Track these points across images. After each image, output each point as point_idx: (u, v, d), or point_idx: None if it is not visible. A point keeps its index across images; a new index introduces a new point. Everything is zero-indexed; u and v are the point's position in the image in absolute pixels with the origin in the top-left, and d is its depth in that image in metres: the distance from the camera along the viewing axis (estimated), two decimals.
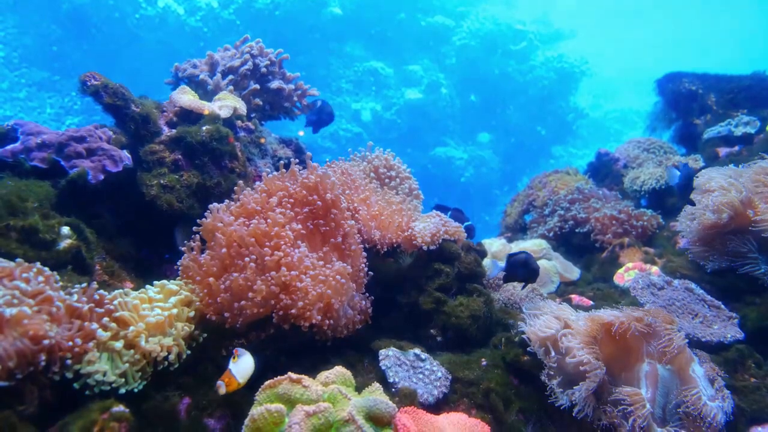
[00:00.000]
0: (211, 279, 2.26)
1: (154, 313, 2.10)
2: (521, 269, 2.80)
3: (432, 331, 2.76)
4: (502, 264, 2.86)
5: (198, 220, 2.50)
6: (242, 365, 1.96)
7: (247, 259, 2.26)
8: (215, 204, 2.53)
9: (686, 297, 2.97)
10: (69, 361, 1.80)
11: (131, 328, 1.99)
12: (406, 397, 2.12)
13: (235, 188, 2.66)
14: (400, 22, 16.59)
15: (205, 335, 2.28)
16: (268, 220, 2.38)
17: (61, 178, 2.62)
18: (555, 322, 2.32)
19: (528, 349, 2.38)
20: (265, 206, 2.49)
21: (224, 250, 2.30)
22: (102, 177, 2.68)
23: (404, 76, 16.46)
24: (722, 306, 2.91)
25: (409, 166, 3.40)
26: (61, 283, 1.99)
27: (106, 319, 1.96)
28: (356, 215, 2.83)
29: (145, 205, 2.78)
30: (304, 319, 2.22)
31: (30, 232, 2.24)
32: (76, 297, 1.95)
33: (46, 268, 1.98)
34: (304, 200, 2.57)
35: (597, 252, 4.03)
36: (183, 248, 2.48)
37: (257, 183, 2.75)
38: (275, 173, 2.70)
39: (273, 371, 1.93)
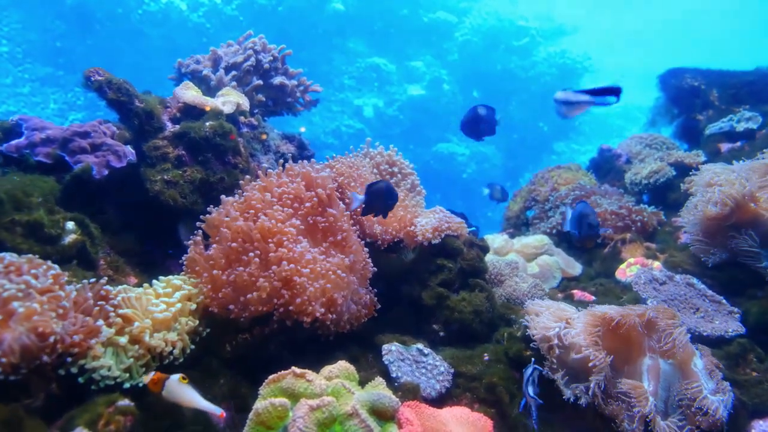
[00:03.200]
0: (216, 272, 2.27)
1: (160, 308, 2.11)
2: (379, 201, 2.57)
3: (435, 326, 2.77)
4: (362, 196, 2.63)
5: (202, 216, 2.51)
6: (182, 390, 1.77)
7: (251, 254, 2.27)
8: (229, 198, 2.54)
9: (688, 292, 2.98)
10: (71, 358, 1.82)
11: (136, 323, 2.01)
12: (408, 392, 2.13)
13: (241, 183, 2.67)
14: (403, 18, 16.57)
15: (209, 329, 2.29)
16: (272, 220, 2.38)
17: (66, 174, 2.63)
18: (557, 319, 2.33)
19: (531, 344, 2.39)
20: (262, 203, 2.49)
21: (234, 244, 2.31)
22: (106, 172, 2.70)
23: (406, 72, 16.45)
24: (724, 301, 2.92)
25: (411, 162, 3.40)
26: (66, 279, 2.00)
27: (112, 314, 1.97)
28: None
29: (149, 200, 2.79)
30: (306, 314, 2.23)
31: (35, 226, 2.25)
32: (82, 293, 1.97)
33: (57, 266, 1.99)
34: (302, 196, 2.58)
35: (599, 247, 4.03)
36: (188, 242, 2.49)
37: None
38: (270, 170, 2.70)
39: (277, 366, 1.94)
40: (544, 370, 2.26)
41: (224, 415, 1.79)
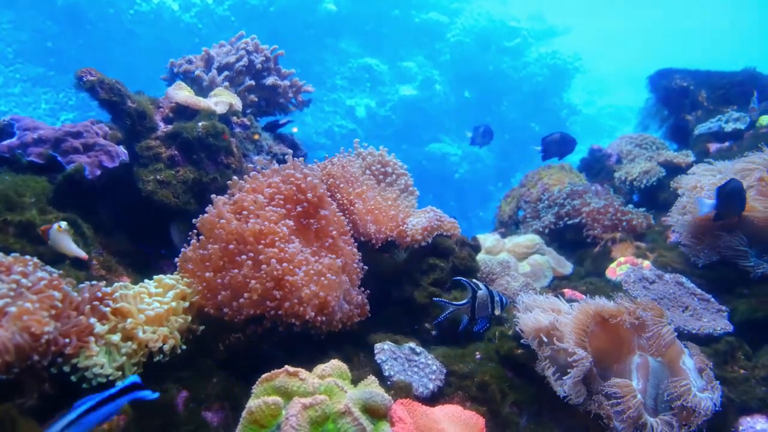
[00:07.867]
0: (209, 274, 2.28)
1: (153, 306, 2.11)
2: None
3: (427, 324, 2.79)
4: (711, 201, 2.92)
5: (199, 215, 2.50)
6: (60, 237, 2.24)
7: (243, 256, 2.27)
8: (221, 197, 2.53)
9: (677, 290, 3.01)
10: (62, 358, 1.82)
11: (129, 320, 2.01)
12: (401, 390, 2.14)
13: (229, 183, 2.66)
14: (395, 18, 16.60)
15: (203, 328, 2.29)
16: (265, 222, 2.38)
17: (58, 174, 2.63)
18: (548, 313, 2.35)
19: (522, 341, 2.40)
20: (254, 204, 2.49)
21: (231, 246, 2.31)
22: (99, 172, 2.70)
23: (399, 72, 16.47)
24: (712, 299, 2.95)
25: (404, 162, 3.40)
26: (59, 278, 2.00)
27: (108, 311, 1.97)
28: (352, 208, 2.85)
29: (142, 200, 2.79)
30: (297, 317, 2.23)
31: (27, 226, 2.26)
32: (76, 292, 1.97)
33: (55, 271, 1.99)
34: (293, 198, 2.59)
35: (589, 247, 4.06)
36: (183, 243, 2.48)
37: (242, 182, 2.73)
38: (255, 173, 2.69)
39: (270, 365, 1.95)
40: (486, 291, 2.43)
41: (86, 257, 2.27)
